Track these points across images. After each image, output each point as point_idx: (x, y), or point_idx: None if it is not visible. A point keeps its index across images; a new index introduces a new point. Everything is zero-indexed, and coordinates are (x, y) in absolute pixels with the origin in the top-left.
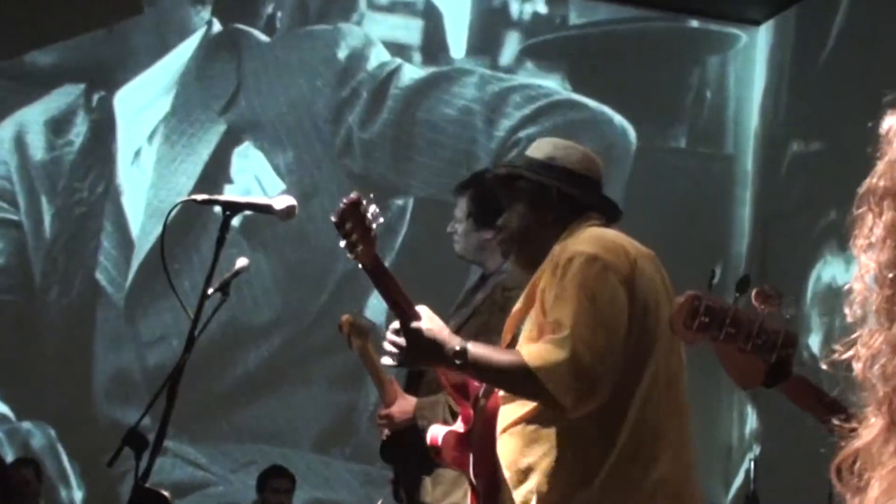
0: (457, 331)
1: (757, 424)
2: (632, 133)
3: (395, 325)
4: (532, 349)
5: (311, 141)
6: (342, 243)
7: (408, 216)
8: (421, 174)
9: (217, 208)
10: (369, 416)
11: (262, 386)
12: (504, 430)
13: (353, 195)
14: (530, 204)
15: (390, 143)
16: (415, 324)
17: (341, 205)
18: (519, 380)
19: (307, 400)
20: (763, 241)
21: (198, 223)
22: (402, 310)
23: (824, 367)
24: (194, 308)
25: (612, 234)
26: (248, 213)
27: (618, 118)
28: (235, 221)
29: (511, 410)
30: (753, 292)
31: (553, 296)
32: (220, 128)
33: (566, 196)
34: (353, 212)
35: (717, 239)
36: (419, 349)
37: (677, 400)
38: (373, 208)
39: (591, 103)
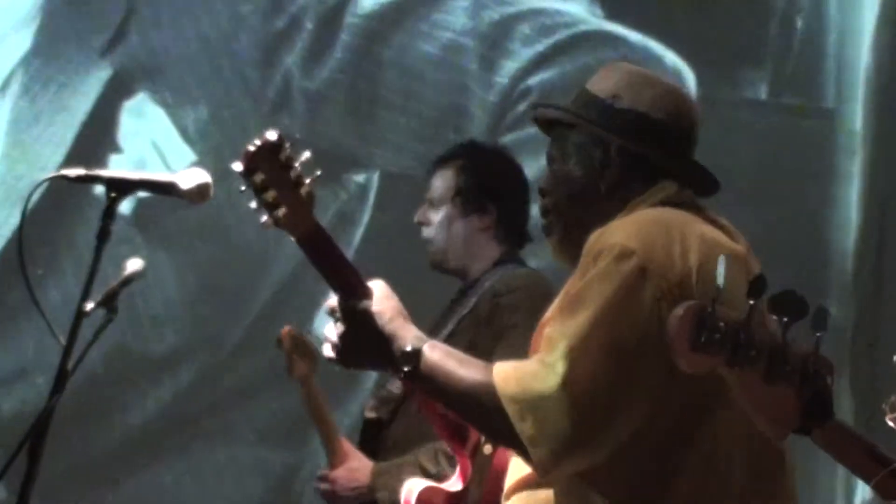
0: None
1: (870, 496)
2: (690, 78)
3: (332, 302)
4: (507, 368)
5: (232, 92)
6: (252, 203)
7: (371, 199)
8: (389, 139)
9: (99, 188)
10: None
11: (164, 441)
12: (510, 493)
13: (270, 133)
14: (580, 165)
15: (346, 96)
16: (363, 303)
17: (249, 146)
18: (480, 409)
19: (228, 460)
20: (879, 232)
21: (71, 209)
22: (344, 282)
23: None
24: (66, 331)
25: (677, 218)
26: (143, 194)
27: (670, 57)
28: (125, 207)
29: (522, 463)
30: (768, 300)
31: (564, 302)
32: (103, 74)
33: (632, 155)
34: (270, 157)
35: (812, 228)
36: (358, 341)
37: (773, 473)
38: (305, 154)
39: (632, 36)
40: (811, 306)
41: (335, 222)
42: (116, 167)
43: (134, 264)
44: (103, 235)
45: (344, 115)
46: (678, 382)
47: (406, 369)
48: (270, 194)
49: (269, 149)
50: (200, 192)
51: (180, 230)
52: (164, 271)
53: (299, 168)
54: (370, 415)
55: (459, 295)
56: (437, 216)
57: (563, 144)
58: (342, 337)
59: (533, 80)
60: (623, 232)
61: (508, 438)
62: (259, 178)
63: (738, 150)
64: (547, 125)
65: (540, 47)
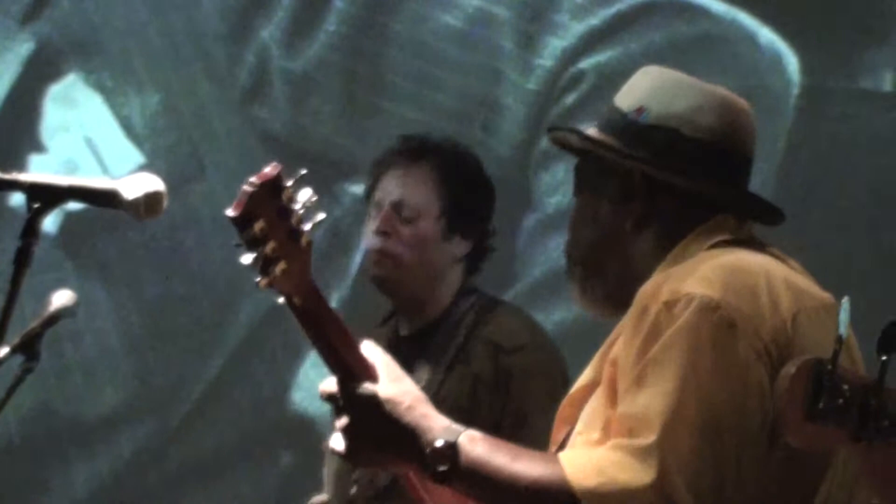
0: None
1: None
2: (791, 62)
3: (327, 386)
4: (583, 459)
5: (192, 75)
6: (247, 258)
7: None
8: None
9: (16, 197)
10: None
11: None
12: None
13: (270, 168)
14: (600, 199)
15: (340, 82)
16: (366, 387)
17: (246, 186)
18: None
19: None
20: None
21: None
22: (344, 362)
23: None
24: None
25: (755, 262)
26: (74, 205)
27: (765, 35)
28: (50, 223)
29: None
30: None
31: (633, 369)
32: (22, 49)
33: (665, 187)
34: (269, 200)
35: None
36: (367, 436)
37: None
38: (306, 192)
39: (717, 6)
40: None
41: (325, 246)
42: (39, 170)
43: (61, 298)
44: (22, 260)
45: (337, 106)
46: (778, 459)
47: (442, 470)
48: (269, 248)
49: (269, 186)
50: (149, 204)
51: (122, 254)
52: (100, 308)
53: (303, 210)
54: None
55: (417, 328)
56: (408, 231)
57: (584, 174)
58: (346, 431)
59: (586, 63)
60: (696, 279)
61: None
62: (259, 226)
63: (855, 157)
64: (574, 151)
65: (595, 20)
